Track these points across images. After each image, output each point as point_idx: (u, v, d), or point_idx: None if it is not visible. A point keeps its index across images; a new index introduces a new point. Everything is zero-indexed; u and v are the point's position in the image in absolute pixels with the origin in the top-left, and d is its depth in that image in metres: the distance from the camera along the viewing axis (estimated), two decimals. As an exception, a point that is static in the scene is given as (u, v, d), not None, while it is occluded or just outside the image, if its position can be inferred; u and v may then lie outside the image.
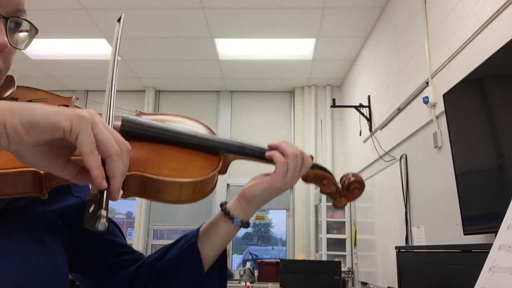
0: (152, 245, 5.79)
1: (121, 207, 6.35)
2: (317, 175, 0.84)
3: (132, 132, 0.72)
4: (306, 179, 0.84)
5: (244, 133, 5.97)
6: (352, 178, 0.84)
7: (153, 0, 3.96)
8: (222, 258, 0.82)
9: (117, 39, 0.76)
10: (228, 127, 5.99)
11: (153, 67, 5.47)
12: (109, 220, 0.84)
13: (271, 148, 0.80)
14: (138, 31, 4.49)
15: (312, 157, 0.82)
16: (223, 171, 0.78)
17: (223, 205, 0.81)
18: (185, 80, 5.84)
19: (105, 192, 0.52)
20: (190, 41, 4.74)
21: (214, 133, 0.82)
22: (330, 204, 5.01)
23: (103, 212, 0.50)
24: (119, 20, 0.79)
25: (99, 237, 0.80)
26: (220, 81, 5.82)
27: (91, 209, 0.51)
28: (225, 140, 0.79)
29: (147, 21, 4.30)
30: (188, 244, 0.79)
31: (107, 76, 0.72)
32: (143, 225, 5.73)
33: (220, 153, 0.77)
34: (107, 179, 0.52)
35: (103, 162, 0.52)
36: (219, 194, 5.65)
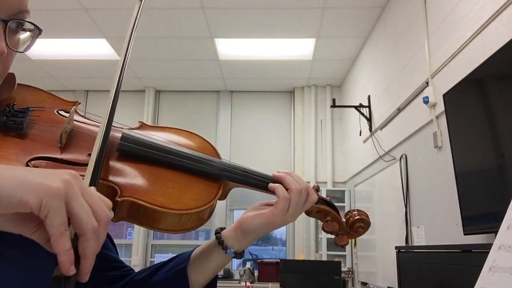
0: (152, 245, 5.79)
1: (121, 207, 6.35)
2: (321, 210, 0.81)
3: (130, 152, 0.68)
4: (309, 213, 0.81)
5: (244, 133, 5.97)
6: (357, 216, 0.81)
7: (153, 0, 3.96)
8: (212, 283, 0.79)
9: (136, 20, 0.71)
10: (228, 127, 5.99)
11: (153, 67, 5.47)
12: None
13: (276, 179, 0.76)
14: (138, 31, 4.47)
15: (318, 190, 0.79)
16: (223, 197, 0.74)
17: (218, 233, 0.78)
18: (185, 80, 5.84)
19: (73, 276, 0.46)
20: (190, 41, 4.74)
21: (218, 155, 0.78)
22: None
23: None
24: None
25: None
26: (220, 81, 5.82)
27: None
28: (228, 166, 0.74)
29: (147, 21, 4.30)
30: (177, 269, 0.77)
31: (114, 75, 0.67)
32: (143, 225, 5.72)
33: (221, 179, 0.73)
34: (78, 257, 0.46)
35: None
36: (219, 194, 5.65)
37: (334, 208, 0.82)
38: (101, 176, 0.63)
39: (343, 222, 0.81)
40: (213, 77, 5.69)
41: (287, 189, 0.74)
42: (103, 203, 0.49)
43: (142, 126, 0.77)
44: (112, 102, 0.64)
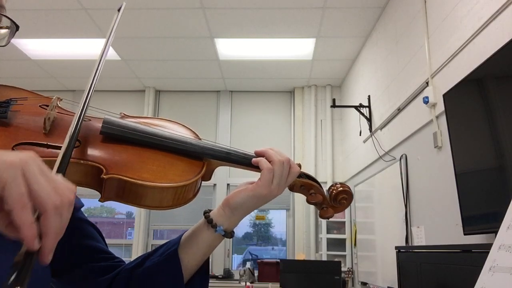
0: (152, 245, 5.79)
1: (121, 207, 6.35)
2: (305, 184, 0.82)
3: (113, 134, 0.71)
4: (292, 188, 0.82)
5: (244, 133, 5.97)
6: (340, 188, 0.82)
7: (153, 0, 3.96)
8: (204, 267, 0.79)
9: (112, 29, 0.74)
10: (228, 127, 6.00)
11: (153, 67, 5.47)
12: (90, 224, 0.82)
13: (258, 154, 0.78)
14: (138, 31, 4.49)
15: (299, 166, 0.80)
16: (207, 177, 0.76)
17: (206, 213, 0.78)
18: (185, 80, 5.84)
19: (34, 255, 0.43)
20: (190, 41, 4.74)
21: (199, 138, 0.80)
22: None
23: None
24: (119, 10, 0.78)
25: (77, 242, 0.79)
26: (220, 81, 5.82)
27: (12, 278, 0.41)
28: (210, 145, 0.77)
29: (147, 21, 4.30)
30: (168, 252, 0.77)
31: (91, 72, 0.70)
32: (143, 225, 5.73)
33: (204, 158, 0.75)
34: (40, 236, 0.43)
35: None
36: (219, 194, 5.66)
37: (317, 182, 0.84)
38: (85, 158, 0.66)
39: (326, 195, 0.83)
40: (213, 77, 5.69)
41: (269, 162, 0.76)
42: (66, 185, 0.46)
43: (124, 116, 0.80)
44: (89, 88, 0.67)
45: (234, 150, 0.79)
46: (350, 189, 0.83)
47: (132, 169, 0.68)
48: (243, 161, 0.78)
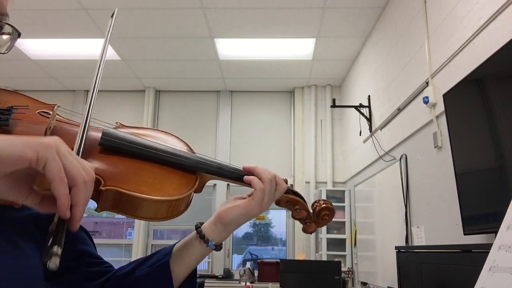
0: (152, 245, 5.79)
1: (121, 207, 6.36)
2: (290, 200, 0.85)
3: (111, 146, 0.73)
4: (279, 203, 0.85)
5: (244, 133, 5.97)
6: (324, 205, 0.86)
7: (153, 0, 3.96)
8: (192, 277, 0.82)
9: (108, 37, 0.76)
10: (228, 127, 6.00)
11: (153, 67, 5.47)
12: (82, 228, 0.83)
13: (247, 170, 0.81)
14: (138, 31, 4.49)
15: (286, 181, 0.83)
16: (199, 190, 0.78)
17: (198, 227, 0.81)
18: (185, 80, 5.84)
19: (66, 222, 0.51)
20: (190, 41, 4.74)
21: (193, 151, 0.82)
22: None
23: (57, 250, 0.49)
24: (112, 16, 0.79)
25: (70, 246, 0.79)
26: (220, 81, 5.82)
27: (50, 242, 0.50)
28: (203, 159, 0.79)
29: (147, 21, 4.30)
30: (160, 263, 0.79)
31: (92, 79, 0.71)
32: (143, 225, 5.72)
33: (197, 172, 0.78)
34: (70, 208, 0.52)
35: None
36: (219, 194, 5.65)
37: (302, 198, 0.87)
38: None
39: (310, 211, 0.87)
40: (213, 77, 5.69)
41: (260, 179, 0.79)
42: (88, 164, 0.55)
43: (120, 126, 0.81)
44: (91, 97, 0.68)
45: (225, 165, 0.81)
46: (332, 205, 0.87)
47: (129, 182, 0.69)
48: (234, 176, 0.81)
